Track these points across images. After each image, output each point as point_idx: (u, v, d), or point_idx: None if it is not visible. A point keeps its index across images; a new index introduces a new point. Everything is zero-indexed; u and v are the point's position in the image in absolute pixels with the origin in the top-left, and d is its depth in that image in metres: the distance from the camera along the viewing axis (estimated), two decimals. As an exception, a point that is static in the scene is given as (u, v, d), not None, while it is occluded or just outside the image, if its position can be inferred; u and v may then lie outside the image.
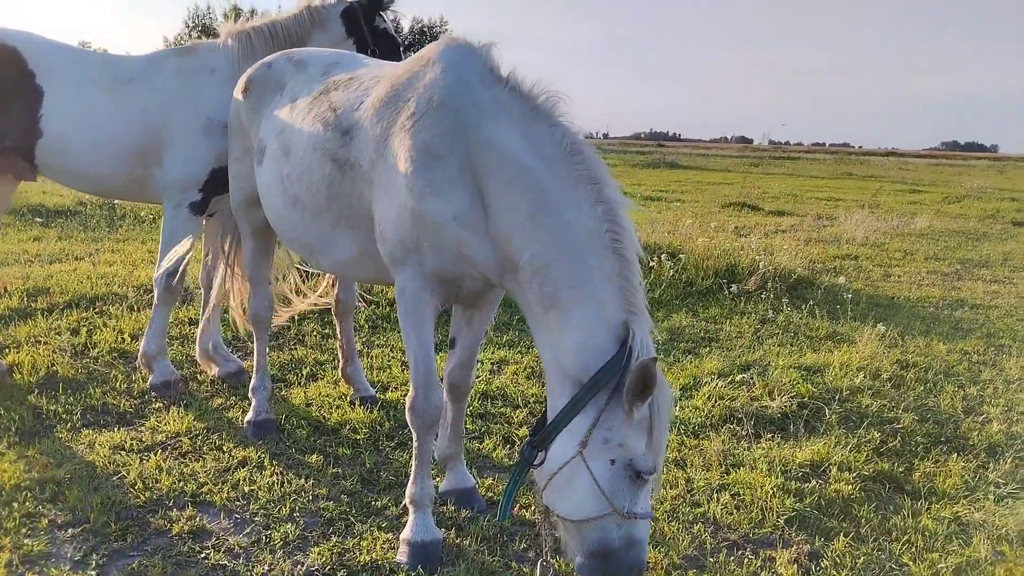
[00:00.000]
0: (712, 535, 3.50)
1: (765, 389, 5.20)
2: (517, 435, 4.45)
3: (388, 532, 3.40)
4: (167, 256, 4.78)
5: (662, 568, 3.23)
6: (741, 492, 3.88)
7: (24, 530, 3.26)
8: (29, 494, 3.53)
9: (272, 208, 3.82)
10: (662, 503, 3.75)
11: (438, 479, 3.80)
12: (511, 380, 5.28)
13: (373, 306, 6.66)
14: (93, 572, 3.02)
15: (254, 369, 4.51)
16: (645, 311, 2.84)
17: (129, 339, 5.66)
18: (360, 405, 4.73)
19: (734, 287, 7.98)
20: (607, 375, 2.70)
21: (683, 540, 3.42)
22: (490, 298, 3.54)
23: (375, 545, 3.28)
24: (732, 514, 3.68)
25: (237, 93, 4.16)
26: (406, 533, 3.24)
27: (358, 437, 4.32)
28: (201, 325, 5.19)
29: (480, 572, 3.12)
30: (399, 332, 6.10)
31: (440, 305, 3.24)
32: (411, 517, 3.28)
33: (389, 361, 5.54)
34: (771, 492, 3.84)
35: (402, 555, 3.19)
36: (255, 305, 4.49)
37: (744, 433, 4.60)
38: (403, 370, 5.33)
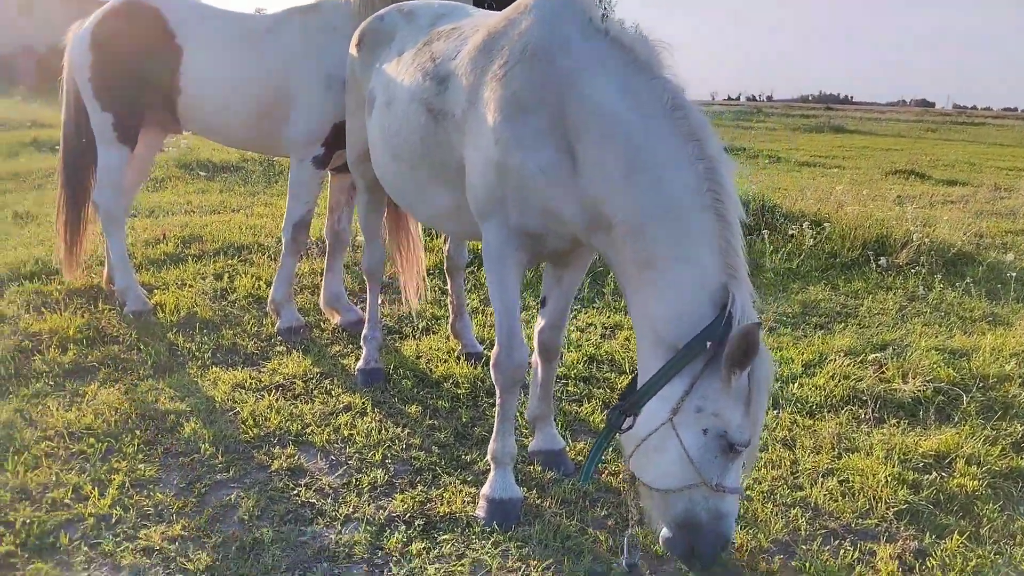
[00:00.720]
0: (809, 521, 3.29)
1: (899, 371, 4.80)
2: (616, 400, 4.35)
3: (472, 486, 3.43)
4: (293, 208, 5.01)
5: (747, 549, 3.07)
6: (850, 479, 3.62)
7: (141, 455, 3.55)
8: (152, 423, 3.83)
9: (377, 161, 3.89)
10: (760, 483, 3.56)
11: (528, 439, 3.79)
12: (622, 346, 5.17)
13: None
14: (193, 499, 3.24)
15: (367, 319, 4.66)
16: (746, 276, 2.70)
17: (264, 285, 5.98)
18: (466, 360, 4.78)
19: (883, 260, 7.41)
20: (704, 341, 2.59)
21: (776, 523, 3.24)
22: (581, 257, 3.47)
23: (457, 498, 3.32)
24: (836, 501, 3.45)
25: (352, 47, 4.22)
26: (486, 489, 3.26)
27: (459, 391, 4.38)
28: (325, 276, 5.41)
29: (555, 535, 3.09)
30: (529, 292, 6.18)
31: (527, 262, 3.19)
32: (492, 474, 3.30)
33: (501, 319, 5.55)
34: (884, 481, 3.56)
35: (480, 510, 3.21)
36: (368, 258, 4.63)
37: (866, 416, 4.28)
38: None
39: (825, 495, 3.48)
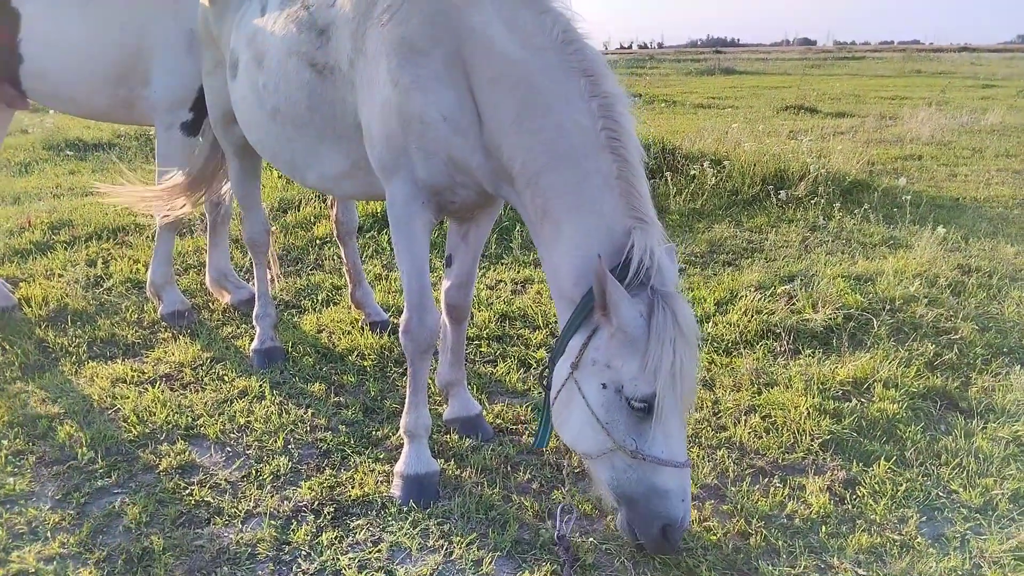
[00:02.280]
0: (736, 462, 3.20)
1: (808, 301, 4.79)
2: (535, 358, 4.18)
3: (386, 464, 3.19)
4: (162, 181, 4.57)
5: (677, 499, 2.94)
6: (772, 414, 3.56)
7: (10, 468, 3.15)
8: (21, 431, 3.42)
9: (250, 123, 3.55)
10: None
11: (442, 407, 3.57)
12: (533, 301, 4.98)
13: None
14: (72, 511, 2.89)
15: (256, 296, 4.31)
16: (653, 217, 2.51)
17: (143, 269, 5.51)
18: (371, 330, 4.51)
19: (782, 193, 7.46)
20: (592, 300, 2.44)
21: (703, 467, 3.14)
22: (488, 212, 3.26)
23: (369, 478, 3.07)
24: (760, 438, 3.37)
25: (204, 2, 3.83)
26: (399, 466, 3.05)
27: (365, 364, 4.11)
28: (209, 252, 5.01)
29: (478, 505, 2.89)
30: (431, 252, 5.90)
31: (435, 219, 2.97)
32: (405, 448, 3.08)
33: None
34: (806, 413, 3.51)
35: (396, 489, 3.00)
36: (249, 229, 4.28)
37: (781, 349, 4.24)
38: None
39: (749, 433, 3.40)
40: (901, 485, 3.01)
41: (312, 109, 3.12)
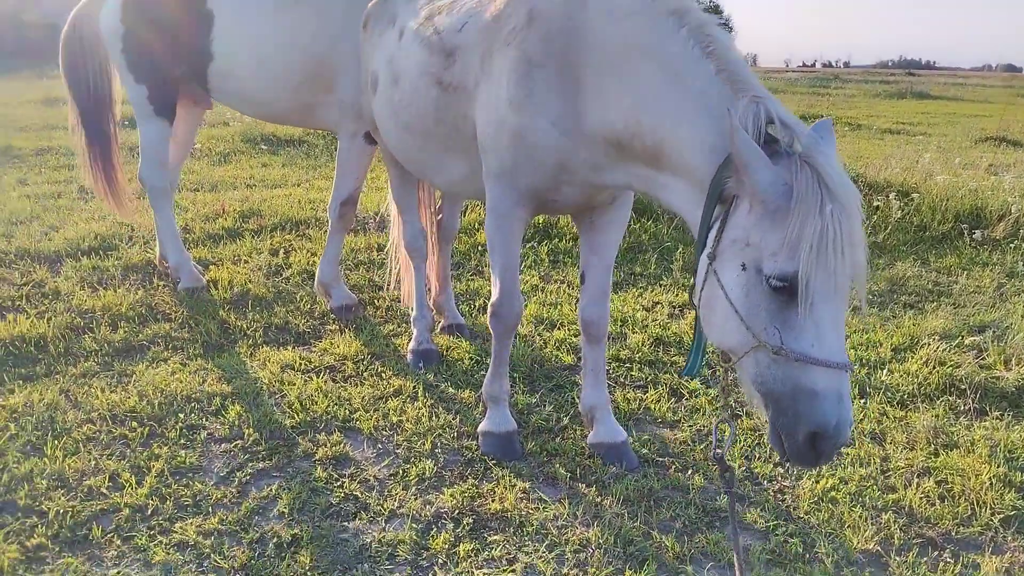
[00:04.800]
0: (903, 528, 2.94)
1: (1000, 356, 4.36)
2: (687, 388, 4.04)
3: (526, 480, 3.18)
4: (341, 185, 4.80)
5: (831, 560, 2.74)
6: (949, 479, 3.24)
7: (183, 441, 3.40)
8: (197, 406, 3.69)
9: (388, 134, 3.91)
10: (846, 482, 3.21)
11: (585, 429, 3.52)
12: (690, 327, 4.81)
13: (556, 240, 6.40)
14: (234, 489, 3.07)
15: (414, 300, 4.44)
16: (760, 86, 2.41)
17: (318, 261, 5.81)
18: (446, 333, 4.61)
19: (977, 233, 6.85)
20: (726, 169, 2.32)
21: (865, 530, 2.90)
22: (613, 220, 3.33)
23: (509, 494, 3.07)
24: (933, 505, 3.08)
25: (360, 29, 4.17)
26: (484, 425, 3.45)
27: (515, 375, 4.12)
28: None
29: (617, 538, 2.81)
30: (577, 267, 5.89)
31: (530, 217, 3.27)
32: (488, 410, 3.48)
33: (561, 298, 5.27)
34: (988, 483, 3.17)
35: (482, 445, 3.40)
36: (407, 234, 4.43)
37: (965, 408, 3.87)
38: (574, 309, 5.05)
39: (921, 498, 3.12)
40: (1100, 581, 2.66)
41: (438, 122, 3.42)
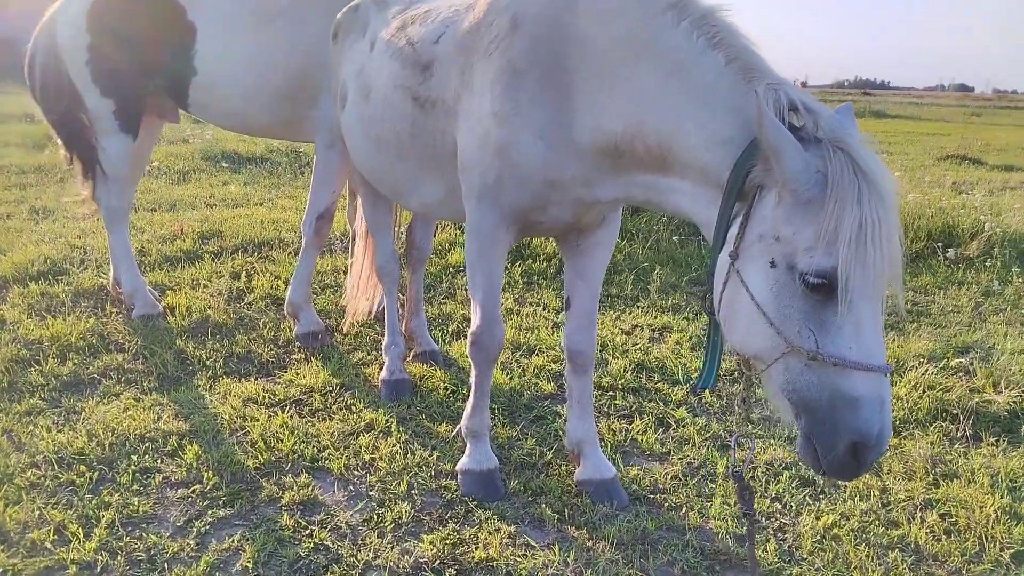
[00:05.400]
0: (912, 568, 2.78)
1: (988, 379, 4.25)
2: (673, 417, 3.86)
3: (511, 523, 2.97)
4: (317, 198, 4.59)
5: (842, 607, 2.57)
6: (953, 512, 3.10)
7: (136, 487, 3.12)
8: (151, 446, 3.42)
9: (357, 151, 3.71)
10: (847, 518, 3.05)
11: (570, 464, 3.31)
12: (672, 351, 4.66)
13: (530, 260, 6.22)
14: (192, 541, 2.81)
15: (386, 327, 4.21)
16: (774, 74, 2.25)
17: (283, 285, 5.56)
18: (419, 361, 4.39)
19: (951, 252, 6.82)
20: (747, 160, 2.15)
21: (873, 571, 2.73)
22: (600, 241, 3.14)
23: (494, 539, 2.85)
24: (940, 541, 2.93)
25: (330, 40, 3.98)
26: (463, 463, 3.23)
27: (494, 406, 3.91)
28: (350, 262, 4.99)
29: (611, 587, 2.61)
30: (554, 290, 5.71)
31: (514, 241, 3.04)
32: (468, 447, 3.25)
33: (538, 322, 5.08)
34: (993, 516, 3.03)
35: (462, 485, 3.18)
36: (380, 257, 4.21)
37: (959, 434, 3.74)
38: (552, 333, 4.86)
39: (926, 533, 2.96)
40: (1121, 623, 2.52)
41: (413, 139, 3.23)
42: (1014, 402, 4.00)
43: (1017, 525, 3.00)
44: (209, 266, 6.03)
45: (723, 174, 2.22)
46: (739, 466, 2.30)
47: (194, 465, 3.28)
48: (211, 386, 4.07)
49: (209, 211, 8.06)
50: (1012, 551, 2.87)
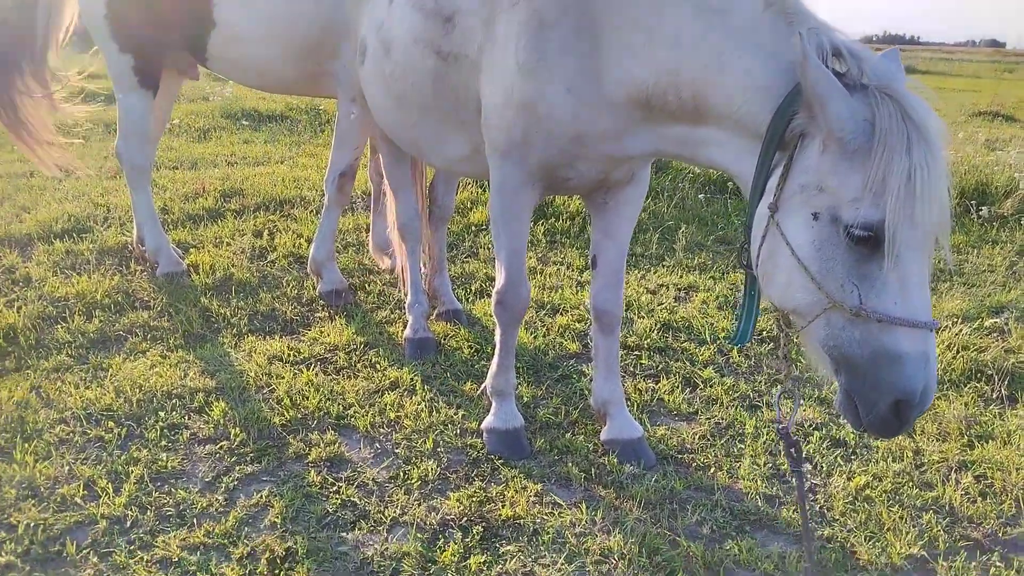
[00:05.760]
0: (947, 530, 2.74)
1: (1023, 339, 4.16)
2: (701, 377, 3.81)
3: (538, 481, 2.95)
4: (339, 156, 4.52)
5: (875, 568, 2.53)
6: (988, 474, 3.05)
7: (164, 443, 3.13)
8: (178, 403, 3.42)
9: (378, 108, 3.61)
10: (880, 479, 3.00)
11: (596, 423, 3.28)
12: (699, 311, 4.60)
13: (552, 219, 6.14)
14: (220, 496, 2.82)
15: (409, 285, 4.17)
16: (816, 18, 2.17)
17: (306, 244, 5.52)
18: (443, 319, 4.34)
19: (984, 210, 6.66)
20: (789, 107, 2.08)
21: (908, 533, 2.69)
22: (629, 199, 3.06)
23: (520, 497, 2.84)
24: (975, 503, 2.88)
25: None
26: (488, 421, 3.20)
27: (518, 365, 3.87)
28: (372, 219, 4.96)
29: (640, 547, 2.58)
30: (578, 249, 5.64)
31: (539, 199, 3.00)
32: (494, 406, 3.22)
33: (562, 281, 5.02)
34: (1031, 478, 2.97)
35: (488, 443, 3.15)
36: (401, 214, 4.15)
37: (994, 395, 3.67)
38: (576, 292, 4.81)
39: (961, 495, 2.92)
40: None
41: (437, 95, 3.13)
42: (1051, 363, 3.91)
43: (1054, 487, 2.94)
44: (232, 224, 6.00)
45: (762, 123, 2.14)
46: (784, 422, 2.25)
47: (221, 422, 3.28)
48: (236, 344, 4.07)
49: (230, 169, 8.01)
50: (1049, 514, 2.81)
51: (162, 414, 3.32)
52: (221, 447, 3.12)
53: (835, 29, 2.12)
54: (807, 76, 1.94)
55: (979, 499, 2.90)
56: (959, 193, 6.99)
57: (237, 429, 3.22)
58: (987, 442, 3.26)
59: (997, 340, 4.17)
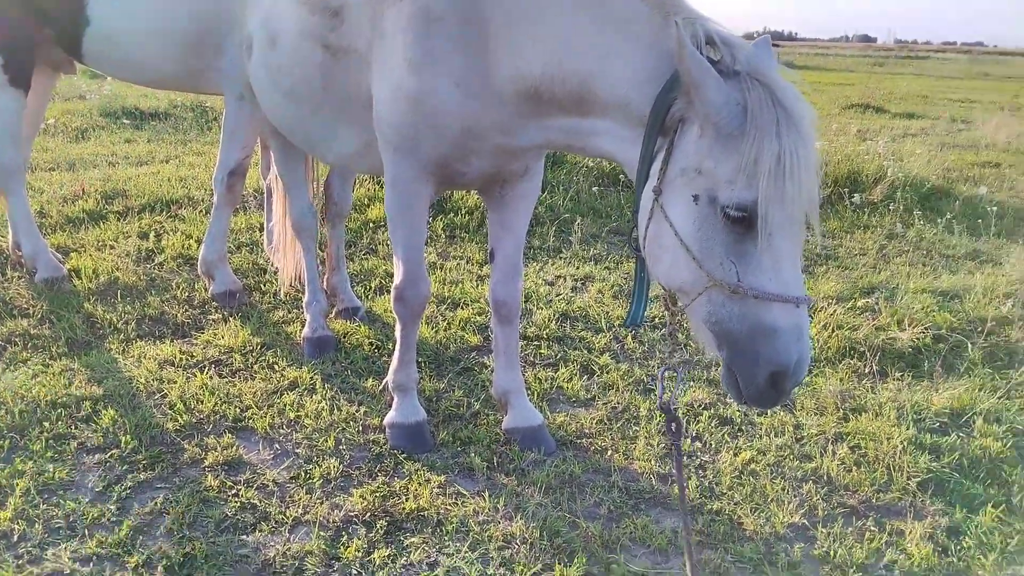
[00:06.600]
0: (825, 498, 2.93)
1: (893, 318, 4.47)
2: (598, 363, 3.93)
3: (441, 473, 2.98)
4: (228, 154, 4.40)
5: (760, 537, 2.69)
6: (862, 444, 3.27)
7: (50, 454, 3.00)
8: (64, 412, 3.27)
9: (267, 103, 3.56)
10: (763, 453, 3.18)
11: (498, 413, 3.34)
12: (595, 300, 4.73)
13: (452, 214, 6.16)
14: (112, 506, 2.72)
15: (306, 283, 4.12)
16: (690, 8, 2.27)
17: (196, 244, 5.36)
18: (342, 317, 4.33)
19: (856, 197, 7.08)
20: (668, 94, 2.16)
21: (788, 503, 2.87)
22: (524, 193, 3.11)
23: (424, 490, 2.86)
24: (851, 472, 3.09)
25: None
26: (391, 416, 3.21)
27: (420, 360, 3.88)
28: (266, 217, 4.86)
29: (542, 531, 2.66)
30: (477, 243, 5.69)
31: (435, 194, 3.01)
32: (396, 401, 3.23)
33: (462, 275, 5.06)
34: (900, 446, 3.21)
35: (391, 438, 3.16)
36: (294, 211, 4.09)
37: (867, 370, 3.93)
38: (476, 286, 4.86)
39: (838, 465, 3.12)
40: (1012, 537, 2.72)
41: (327, 90, 3.11)
42: (917, 338, 4.22)
43: (922, 455, 3.18)
44: (115, 226, 5.76)
45: (644, 110, 2.22)
46: (667, 399, 2.35)
47: (111, 429, 3.16)
48: (124, 349, 3.92)
49: (112, 170, 7.67)
50: (918, 479, 3.04)
51: (47, 424, 3.17)
52: (111, 455, 3.01)
53: (709, 19, 2.21)
54: (683, 63, 2.03)
55: (854, 468, 3.11)
56: (833, 181, 7.41)
57: (128, 437, 3.11)
58: (861, 414, 3.49)
59: (868, 319, 4.46)
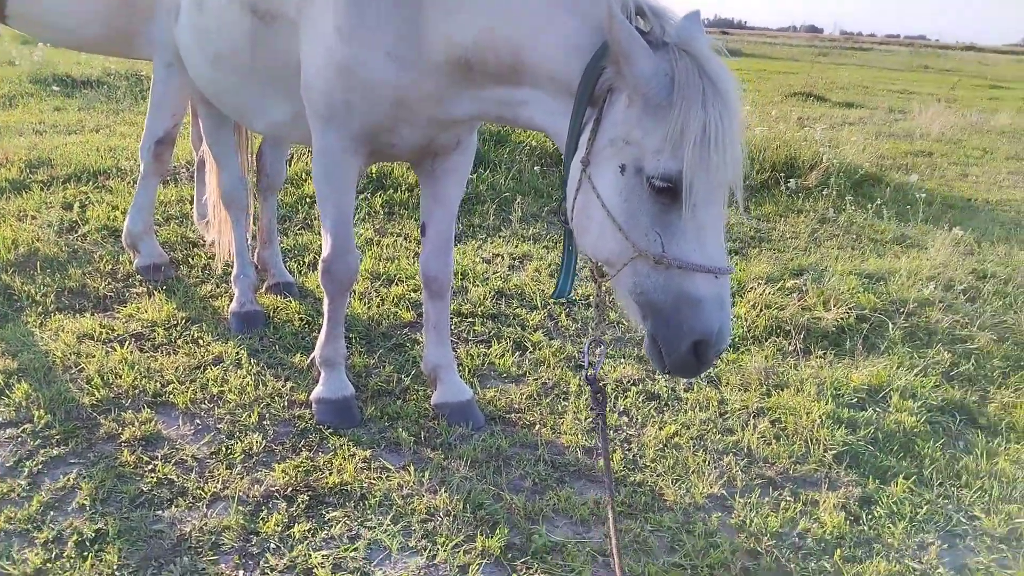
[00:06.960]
0: (744, 470, 2.99)
1: (820, 298, 4.57)
2: (531, 340, 3.94)
3: (367, 448, 2.96)
4: (155, 122, 4.27)
5: (680, 507, 2.73)
6: (783, 419, 3.34)
7: (-45, 428, 2.89)
8: (-27, 387, 3.16)
9: (195, 70, 3.45)
10: (687, 427, 3.23)
11: (428, 389, 3.33)
12: (531, 279, 4.73)
13: (391, 191, 6.09)
14: (23, 481, 2.64)
15: (235, 255, 4.03)
16: None
17: (120, 216, 5.20)
18: (272, 292, 4.26)
19: (792, 182, 7.21)
20: (597, 63, 2.15)
21: (709, 474, 2.92)
22: (455, 167, 3.08)
23: (348, 464, 2.84)
24: (770, 445, 3.16)
25: None
26: (318, 392, 3.17)
27: (351, 336, 3.85)
28: (196, 188, 4.73)
29: (466, 503, 2.66)
30: (415, 220, 5.64)
31: (365, 166, 2.97)
32: (323, 376, 3.19)
33: (399, 252, 5.01)
34: (818, 421, 3.29)
35: (318, 413, 3.13)
36: (224, 183, 3.99)
37: (791, 348, 4.02)
38: (412, 263, 4.82)
39: (758, 439, 3.19)
40: (921, 507, 2.81)
41: (255, 57, 3.02)
42: (841, 318, 4.32)
43: (839, 428, 3.27)
44: (38, 196, 5.54)
45: (574, 81, 2.21)
46: (590, 373, 2.36)
47: (23, 404, 3.06)
48: (41, 322, 3.79)
49: (38, 138, 7.38)
50: (834, 452, 3.13)
51: (-47, 399, 3.05)
52: (23, 430, 2.91)
53: None
54: (613, 33, 2.03)
55: (774, 441, 3.19)
56: (770, 166, 7.53)
57: (41, 411, 3.01)
58: (783, 390, 3.57)
59: (796, 299, 4.55)
